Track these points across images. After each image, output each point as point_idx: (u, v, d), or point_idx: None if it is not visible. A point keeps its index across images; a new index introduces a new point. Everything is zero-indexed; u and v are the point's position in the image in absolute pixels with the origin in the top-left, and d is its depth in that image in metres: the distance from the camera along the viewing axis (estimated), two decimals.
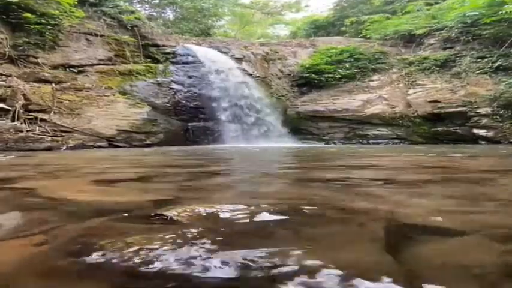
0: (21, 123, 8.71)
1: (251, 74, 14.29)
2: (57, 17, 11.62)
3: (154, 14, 21.12)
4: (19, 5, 10.87)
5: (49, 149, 7.89)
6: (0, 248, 0.98)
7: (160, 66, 13.18)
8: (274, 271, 0.76)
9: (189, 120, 12.07)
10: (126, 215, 1.31)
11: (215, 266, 0.79)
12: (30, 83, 10.02)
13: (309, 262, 0.81)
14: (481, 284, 0.73)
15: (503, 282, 0.74)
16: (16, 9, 10.83)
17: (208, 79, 12.76)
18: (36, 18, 11.08)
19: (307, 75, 14.38)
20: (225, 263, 0.80)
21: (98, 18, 13.48)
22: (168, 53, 13.80)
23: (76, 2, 12.14)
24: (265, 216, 1.24)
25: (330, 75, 14.14)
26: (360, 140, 12.80)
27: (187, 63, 13.50)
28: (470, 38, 13.08)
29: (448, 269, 0.80)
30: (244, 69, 14.22)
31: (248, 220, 1.19)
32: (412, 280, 0.74)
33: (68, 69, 11.45)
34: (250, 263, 0.80)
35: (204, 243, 0.94)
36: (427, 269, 0.80)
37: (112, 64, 12.46)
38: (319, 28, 21.74)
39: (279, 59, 15.68)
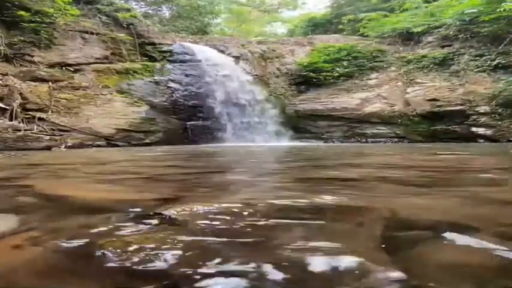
0: (19, 122, 8.64)
1: (249, 73, 14.22)
2: (52, 15, 11.51)
3: (150, 11, 20.98)
4: (13, 2, 10.73)
5: (48, 148, 7.81)
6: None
7: (157, 65, 13.09)
8: (271, 269, 0.77)
9: (188, 119, 12.00)
10: (125, 213, 1.31)
11: (214, 265, 0.79)
12: (27, 81, 9.92)
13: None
14: (479, 283, 0.72)
15: (502, 281, 0.75)
16: (10, 7, 10.69)
17: (206, 77, 12.69)
18: (30, 16, 10.98)
19: (305, 73, 14.36)
20: (224, 262, 0.81)
21: (93, 16, 13.37)
22: (165, 52, 13.71)
23: (71, 0, 12.00)
24: (263, 215, 1.23)
25: (328, 74, 14.12)
26: (359, 139, 12.80)
27: (184, 61, 13.42)
28: (468, 35, 13.11)
29: (446, 268, 0.79)
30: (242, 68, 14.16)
31: (246, 219, 1.19)
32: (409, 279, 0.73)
33: (64, 68, 11.33)
34: (249, 262, 0.81)
35: (202, 242, 0.94)
36: (424, 268, 0.80)
37: (109, 63, 12.36)
38: (317, 26, 21.71)
39: (276, 57, 15.64)
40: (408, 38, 15.03)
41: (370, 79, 14.01)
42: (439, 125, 12.05)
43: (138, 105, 11.19)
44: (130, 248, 0.88)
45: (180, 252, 0.86)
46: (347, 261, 0.80)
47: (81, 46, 12.13)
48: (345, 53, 14.69)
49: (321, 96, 13.86)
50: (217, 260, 0.81)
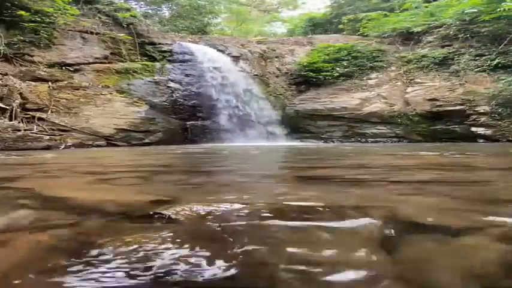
0: (18, 122, 8.62)
1: (249, 72, 14.22)
2: (51, 15, 11.48)
3: (150, 11, 20.98)
4: (13, 2, 10.71)
5: (48, 148, 7.81)
6: (0, 246, 0.99)
7: (157, 65, 13.08)
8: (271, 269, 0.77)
9: (188, 119, 12.00)
10: (125, 213, 1.31)
11: (213, 265, 0.80)
12: (27, 81, 9.90)
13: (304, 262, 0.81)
14: (480, 284, 0.72)
15: (505, 281, 0.75)
16: (10, 7, 10.67)
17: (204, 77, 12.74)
18: (30, 16, 10.95)
19: (305, 73, 14.34)
20: (223, 261, 0.81)
21: (93, 16, 13.34)
22: (165, 51, 13.70)
23: (71, 0, 11.99)
24: (262, 215, 1.23)
25: (328, 74, 14.10)
26: (359, 139, 12.79)
27: (184, 61, 13.41)
28: (468, 35, 13.08)
29: (446, 268, 0.79)
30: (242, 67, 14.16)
31: (246, 219, 1.19)
32: (407, 279, 0.74)
33: (64, 68, 11.31)
34: (248, 261, 0.81)
35: (202, 242, 0.95)
36: (423, 268, 0.80)
37: (108, 62, 12.33)
38: (317, 25, 21.71)
39: (276, 57, 15.61)
40: (408, 37, 15.01)
41: (370, 79, 13.99)
42: (439, 124, 12.04)
43: (138, 105, 11.19)
44: (131, 248, 0.89)
45: (179, 251, 0.87)
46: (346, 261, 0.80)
47: (80, 46, 12.11)
48: (345, 53, 14.66)
49: (320, 96, 13.84)
50: (217, 260, 0.81)
